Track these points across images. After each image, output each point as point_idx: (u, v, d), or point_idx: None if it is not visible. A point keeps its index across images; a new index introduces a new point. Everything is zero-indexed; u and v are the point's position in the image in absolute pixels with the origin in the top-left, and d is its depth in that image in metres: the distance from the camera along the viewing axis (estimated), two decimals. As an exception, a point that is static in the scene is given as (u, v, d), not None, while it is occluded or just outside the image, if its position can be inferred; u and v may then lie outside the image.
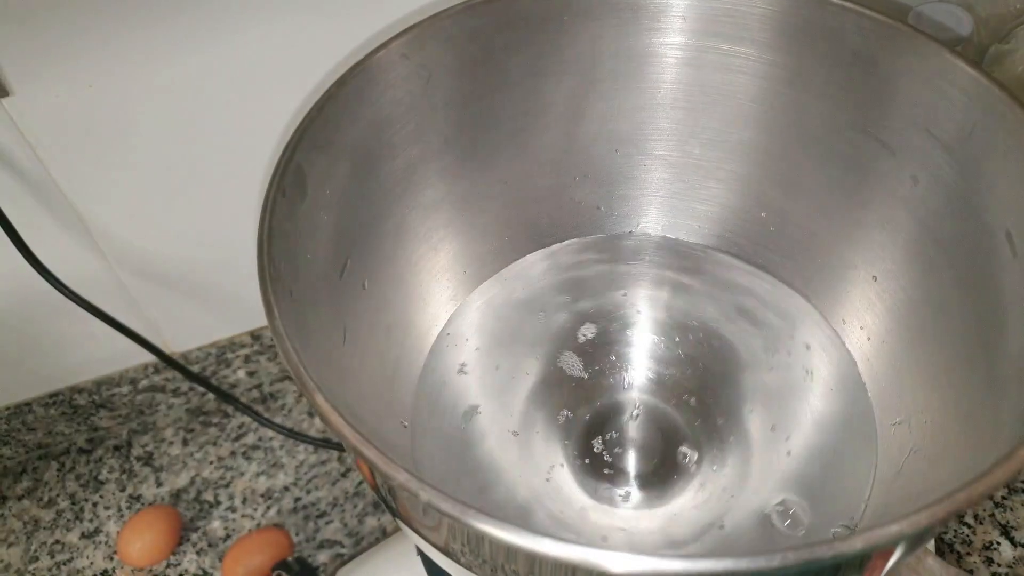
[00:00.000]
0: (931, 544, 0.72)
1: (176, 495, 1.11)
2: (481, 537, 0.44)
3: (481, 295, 0.83)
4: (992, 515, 0.97)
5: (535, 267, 0.84)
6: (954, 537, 0.96)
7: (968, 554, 0.94)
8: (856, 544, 0.41)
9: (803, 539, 0.69)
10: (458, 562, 0.54)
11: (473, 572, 0.54)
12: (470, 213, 0.80)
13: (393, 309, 0.76)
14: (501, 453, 0.74)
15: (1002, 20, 0.87)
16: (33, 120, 0.80)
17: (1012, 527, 0.96)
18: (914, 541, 0.47)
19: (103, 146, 0.84)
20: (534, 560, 0.44)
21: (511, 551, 0.44)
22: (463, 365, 0.79)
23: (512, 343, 0.81)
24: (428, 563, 0.80)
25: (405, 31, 0.69)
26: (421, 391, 0.77)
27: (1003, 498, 0.98)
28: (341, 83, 0.66)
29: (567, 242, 0.85)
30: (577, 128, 0.80)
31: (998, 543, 0.95)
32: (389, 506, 0.56)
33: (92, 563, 1.07)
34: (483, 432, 0.76)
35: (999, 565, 0.93)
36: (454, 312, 0.82)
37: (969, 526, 0.96)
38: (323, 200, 0.66)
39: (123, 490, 1.13)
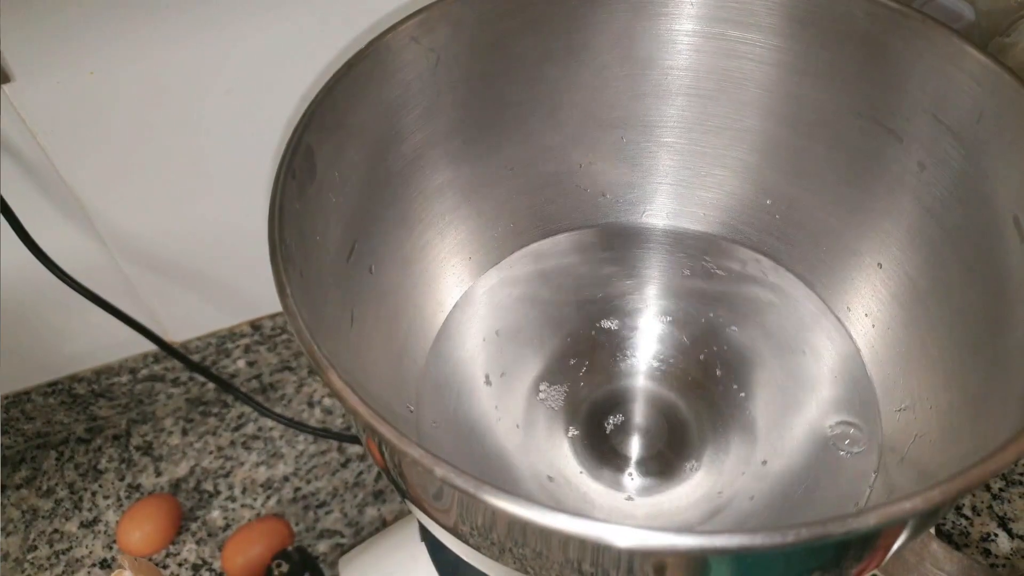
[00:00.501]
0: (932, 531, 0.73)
1: (176, 485, 1.12)
2: (493, 515, 0.44)
3: (487, 281, 0.83)
4: (990, 507, 0.97)
5: (540, 254, 0.85)
6: (952, 528, 0.96)
7: (966, 545, 0.94)
8: (869, 520, 0.41)
9: (864, 453, 0.71)
10: (467, 543, 0.54)
11: (481, 553, 0.54)
12: (476, 199, 0.81)
13: (399, 294, 0.76)
14: (505, 439, 0.74)
15: (1004, 13, 0.87)
16: (34, 106, 0.80)
17: (1009, 519, 0.96)
18: (924, 520, 0.48)
19: (105, 133, 0.85)
20: (545, 537, 0.44)
21: (522, 529, 0.45)
22: (468, 351, 0.80)
23: (517, 330, 0.81)
24: (433, 548, 0.80)
25: (414, 14, 0.69)
26: (426, 376, 0.77)
27: (1000, 490, 0.99)
28: (350, 65, 0.66)
29: (573, 229, 0.85)
30: (584, 114, 0.80)
31: (995, 535, 0.95)
32: (398, 487, 0.56)
33: (91, 552, 1.07)
34: (487, 418, 0.76)
35: (996, 557, 0.94)
36: (460, 298, 0.82)
37: (967, 518, 0.97)
38: (332, 182, 0.66)
39: (122, 479, 1.13)
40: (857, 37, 0.69)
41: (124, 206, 0.92)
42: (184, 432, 1.16)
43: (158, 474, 1.13)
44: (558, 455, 0.74)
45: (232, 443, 1.15)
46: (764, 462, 0.72)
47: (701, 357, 0.79)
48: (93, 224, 0.92)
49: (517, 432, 0.75)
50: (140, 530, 1.04)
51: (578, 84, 0.78)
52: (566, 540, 0.43)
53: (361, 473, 1.10)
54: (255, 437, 1.15)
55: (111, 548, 1.07)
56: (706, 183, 0.83)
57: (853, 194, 0.75)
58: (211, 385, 1.19)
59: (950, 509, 0.96)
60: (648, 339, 0.81)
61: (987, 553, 0.94)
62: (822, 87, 0.73)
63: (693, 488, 0.72)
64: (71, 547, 1.08)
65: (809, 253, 0.80)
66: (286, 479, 1.10)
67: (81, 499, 1.12)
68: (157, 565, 1.04)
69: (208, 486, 1.11)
